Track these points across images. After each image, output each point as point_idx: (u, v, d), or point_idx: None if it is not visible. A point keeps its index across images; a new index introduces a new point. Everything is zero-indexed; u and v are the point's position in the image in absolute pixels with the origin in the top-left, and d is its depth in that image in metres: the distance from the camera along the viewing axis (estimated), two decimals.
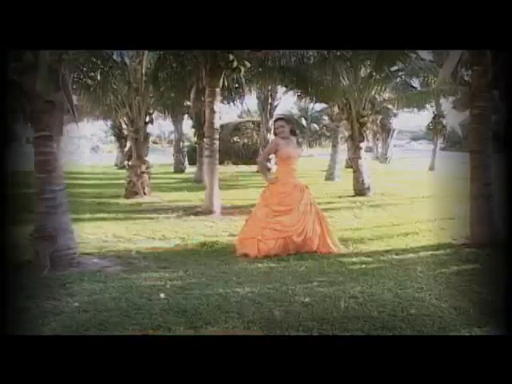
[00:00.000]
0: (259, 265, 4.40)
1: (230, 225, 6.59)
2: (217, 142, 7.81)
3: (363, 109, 10.49)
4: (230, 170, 19.75)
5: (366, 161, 11.11)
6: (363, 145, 10.83)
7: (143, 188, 9.99)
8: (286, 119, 5.68)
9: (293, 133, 5.08)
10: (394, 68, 10.47)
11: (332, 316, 3.03)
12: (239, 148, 26.61)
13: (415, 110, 13.76)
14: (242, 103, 11.73)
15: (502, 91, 5.07)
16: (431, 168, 18.68)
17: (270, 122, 19.20)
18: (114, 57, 9.25)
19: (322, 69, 9.83)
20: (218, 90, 7.72)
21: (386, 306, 3.24)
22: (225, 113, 23.93)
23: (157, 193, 10.61)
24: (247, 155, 25.65)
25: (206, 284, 3.84)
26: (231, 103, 11.11)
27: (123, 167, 15.56)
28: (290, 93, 12.96)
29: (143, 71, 9.45)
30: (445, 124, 19.24)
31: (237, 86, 9.74)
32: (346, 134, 12.97)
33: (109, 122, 22.74)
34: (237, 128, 27.39)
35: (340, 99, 11.01)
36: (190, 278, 4.05)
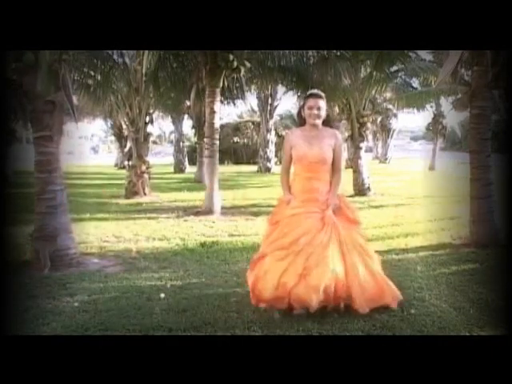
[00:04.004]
0: None
1: (230, 225, 6.59)
2: (217, 142, 7.81)
3: (363, 109, 10.50)
4: (229, 169, 19.73)
5: (366, 161, 11.12)
6: (363, 145, 10.84)
7: (143, 188, 9.99)
8: None
9: None
10: (394, 68, 10.48)
11: (332, 316, 3.03)
12: (239, 148, 26.66)
13: (415, 110, 13.74)
14: (244, 102, 11.73)
15: (502, 91, 5.07)
16: (431, 168, 18.71)
17: (270, 123, 19.25)
18: (114, 57, 9.25)
19: (322, 69, 9.83)
20: (218, 90, 7.72)
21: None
22: (225, 113, 24.02)
23: (157, 193, 10.62)
24: (247, 155, 25.71)
25: (206, 284, 3.85)
26: (231, 103, 11.10)
27: (123, 167, 15.60)
28: (290, 93, 12.94)
29: (143, 71, 9.45)
30: (445, 124, 19.28)
31: (237, 85, 9.74)
32: (346, 134, 12.98)
33: (109, 122, 22.76)
34: (237, 128, 27.43)
35: (340, 99, 11.02)
36: (190, 277, 4.05)
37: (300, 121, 3.31)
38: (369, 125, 11.11)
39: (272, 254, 3.05)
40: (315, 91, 3.24)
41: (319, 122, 3.18)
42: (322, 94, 3.20)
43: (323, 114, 3.17)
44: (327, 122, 3.28)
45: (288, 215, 3.15)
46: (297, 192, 3.23)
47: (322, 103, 3.16)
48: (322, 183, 3.20)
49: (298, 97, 12.39)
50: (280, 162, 23.18)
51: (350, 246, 3.09)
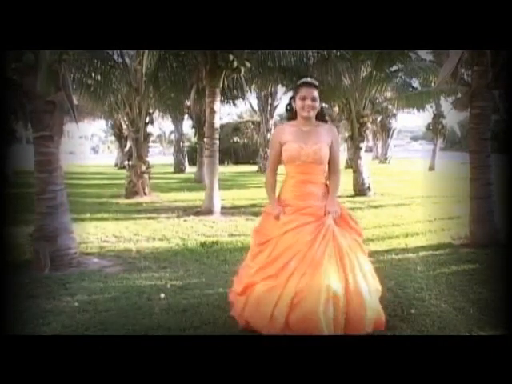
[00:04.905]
0: None
1: (230, 225, 6.59)
2: (217, 142, 7.82)
3: (363, 109, 10.51)
4: (229, 169, 19.73)
5: (366, 161, 11.13)
6: (363, 145, 10.85)
7: (143, 188, 10.00)
8: None
9: None
10: (394, 68, 10.49)
11: None
12: (239, 148, 26.70)
13: (415, 110, 13.77)
14: (244, 102, 11.74)
15: (502, 91, 5.08)
16: (431, 168, 18.72)
17: (270, 123, 19.25)
18: (114, 57, 9.26)
19: (322, 69, 9.85)
20: (218, 90, 7.73)
21: (386, 306, 3.24)
22: (225, 113, 24.04)
23: (157, 193, 10.62)
24: (247, 155, 25.75)
25: (206, 284, 3.85)
26: (231, 103, 11.10)
27: (123, 167, 15.61)
28: (290, 93, 12.95)
29: (143, 71, 9.45)
30: (444, 124, 19.30)
31: (237, 85, 9.75)
32: (346, 134, 12.99)
33: (109, 122, 22.79)
34: (237, 128, 27.47)
35: (340, 99, 11.03)
36: (190, 277, 4.05)
37: (290, 114, 2.88)
38: (369, 125, 11.13)
39: (262, 283, 2.64)
40: (308, 79, 2.84)
41: (313, 114, 2.77)
42: (316, 83, 2.82)
43: (318, 105, 2.77)
44: (321, 116, 2.88)
45: (278, 234, 2.70)
46: (288, 198, 2.80)
47: (316, 93, 2.76)
48: (318, 186, 2.79)
49: None
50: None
51: (354, 260, 2.63)
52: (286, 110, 2.94)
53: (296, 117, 2.83)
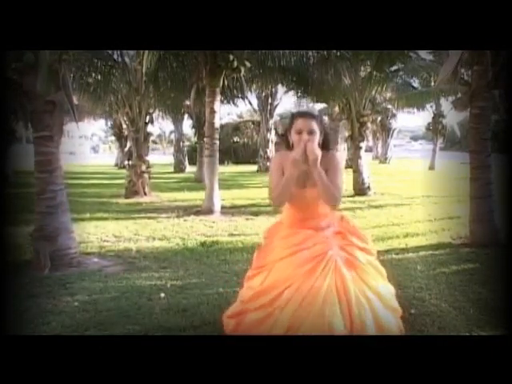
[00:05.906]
0: None
1: (230, 224, 6.60)
2: (217, 142, 7.82)
3: (363, 109, 10.51)
4: (229, 169, 19.73)
5: (366, 161, 11.13)
6: (363, 145, 10.85)
7: (143, 187, 10.01)
8: None
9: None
10: (394, 68, 10.50)
11: None
12: (239, 148, 26.72)
13: (415, 109, 13.78)
14: (244, 101, 11.76)
15: (502, 91, 5.08)
16: (431, 168, 18.74)
17: (270, 122, 19.26)
18: (114, 57, 9.27)
19: (322, 69, 9.86)
20: (218, 89, 7.73)
21: None
22: (225, 113, 24.05)
23: (157, 192, 10.63)
24: (247, 155, 25.78)
25: (206, 284, 3.85)
26: (231, 103, 11.10)
27: (123, 167, 15.62)
28: (290, 93, 12.98)
29: (143, 71, 9.46)
30: (444, 124, 19.34)
31: (237, 85, 9.75)
32: (346, 133, 13.01)
33: (109, 122, 22.81)
34: (237, 128, 27.50)
35: (340, 99, 11.04)
36: (190, 277, 4.05)
37: (287, 147, 2.43)
38: (369, 124, 11.14)
39: (255, 312, 2.43)
40: (305, 110, 2.48)
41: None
42: (315, 113, 2.44)
43: (317, 137, 2.32)
44: (325, 146, 2.40)
45: (273, 260, 2.45)
46: (290, 225, 2.52)
47: (315, 124, 2.33)
48: (321, 219, 2.47)
49: (298, 97, 12.42)
50: None
51: (359, 295, 2.32)
52: (282, 137, 2.51)
53: (293, 148, 2.39)
